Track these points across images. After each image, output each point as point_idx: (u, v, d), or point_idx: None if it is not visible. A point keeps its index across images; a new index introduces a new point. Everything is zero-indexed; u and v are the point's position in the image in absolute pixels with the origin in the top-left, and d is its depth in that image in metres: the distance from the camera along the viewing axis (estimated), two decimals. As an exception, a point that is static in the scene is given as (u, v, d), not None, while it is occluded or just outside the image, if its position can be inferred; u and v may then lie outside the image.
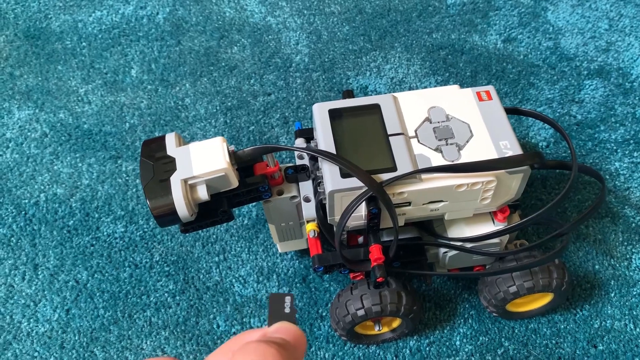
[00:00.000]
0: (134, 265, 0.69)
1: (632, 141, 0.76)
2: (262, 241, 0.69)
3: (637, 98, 0.80)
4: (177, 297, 0.66)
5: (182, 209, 0.48)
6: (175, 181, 0.49)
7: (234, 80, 0.86)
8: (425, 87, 0.83)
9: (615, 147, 0.75)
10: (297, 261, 0.67)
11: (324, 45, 0.90)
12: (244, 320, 0.64)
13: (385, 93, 0.83)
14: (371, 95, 0.83)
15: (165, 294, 0.66)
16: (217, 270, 0.68)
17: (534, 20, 0.91)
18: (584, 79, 0.83)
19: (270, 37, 0.91)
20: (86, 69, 0.89)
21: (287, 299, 0.29)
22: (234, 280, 0.67)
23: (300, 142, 0.62)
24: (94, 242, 0.71)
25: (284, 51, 0.89)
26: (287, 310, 0.29)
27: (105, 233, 0.72)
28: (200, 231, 0.70)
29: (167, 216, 0.48)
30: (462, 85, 0.83)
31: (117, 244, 0.71)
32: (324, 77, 0.86)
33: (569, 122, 0.78)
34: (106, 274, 0.68)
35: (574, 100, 0.81)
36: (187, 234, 0.70)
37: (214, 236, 0.70)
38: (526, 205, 0.70)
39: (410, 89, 0.83)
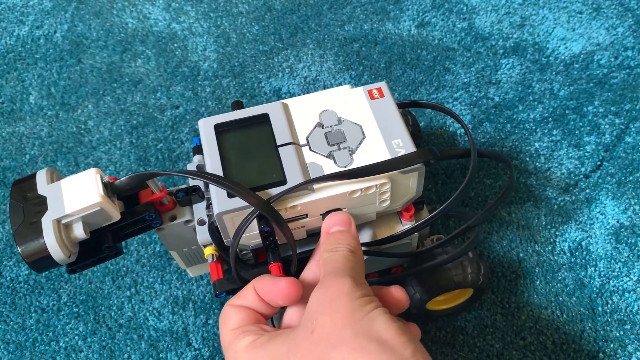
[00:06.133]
0: (40, 310, 0.64)
1: (550, 119, 0.74)
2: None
3: (553, 73, 0.79)
4: (89, 339, 0.61)
5: (57, 252, 0.44)
6: (47, 222, 0.44)
7: (139, 96, 0.81)
8: (340, 84, 0.80)
9: (534, 127, 0.73)
10: (213, 284, 0.63)
11: (233, 49, 0.85)
12: (160, 356, 0.60)
13: (299, 94, 0.79)
14: (285, 97, 0.79)
15: (76, 337, 0.62)
16: (130, 305, 0.63)
17: (447, 1, 0.89)
18: (500, 58, 0.81)
19: (175, 45, 0.87)
20: (-20, 100, 0.83)
21: None
22: (147, 313, 0.62)
23: (198, 159, 0.58)
24: (-4, 289, 0.66)
25: (190, 59, 0.85)
26: None
27: (7, 278, 0.66)
28: (109, 264, 0.66)
29: (42, 261, 0.44)
30: (376, 78, 0.80)
31: (21, 289, 0.66)
32: (234, 82, 0.81)
33: (486, 106, 0.76)
34: (11, 323, 0.63)
35: (490, 81, 0.78)
36: (94, 269, 0.65)
37: (124, 268, 0.65)
38: (446, 196, 0.68)
39: (324, 86, 0.80)
